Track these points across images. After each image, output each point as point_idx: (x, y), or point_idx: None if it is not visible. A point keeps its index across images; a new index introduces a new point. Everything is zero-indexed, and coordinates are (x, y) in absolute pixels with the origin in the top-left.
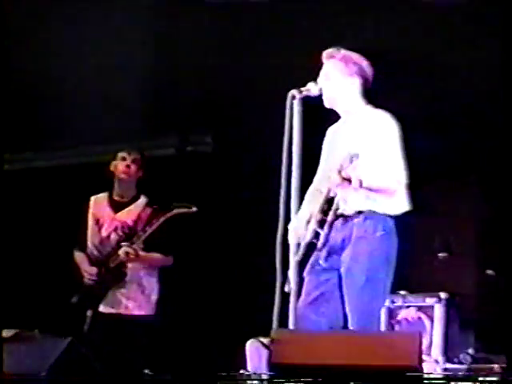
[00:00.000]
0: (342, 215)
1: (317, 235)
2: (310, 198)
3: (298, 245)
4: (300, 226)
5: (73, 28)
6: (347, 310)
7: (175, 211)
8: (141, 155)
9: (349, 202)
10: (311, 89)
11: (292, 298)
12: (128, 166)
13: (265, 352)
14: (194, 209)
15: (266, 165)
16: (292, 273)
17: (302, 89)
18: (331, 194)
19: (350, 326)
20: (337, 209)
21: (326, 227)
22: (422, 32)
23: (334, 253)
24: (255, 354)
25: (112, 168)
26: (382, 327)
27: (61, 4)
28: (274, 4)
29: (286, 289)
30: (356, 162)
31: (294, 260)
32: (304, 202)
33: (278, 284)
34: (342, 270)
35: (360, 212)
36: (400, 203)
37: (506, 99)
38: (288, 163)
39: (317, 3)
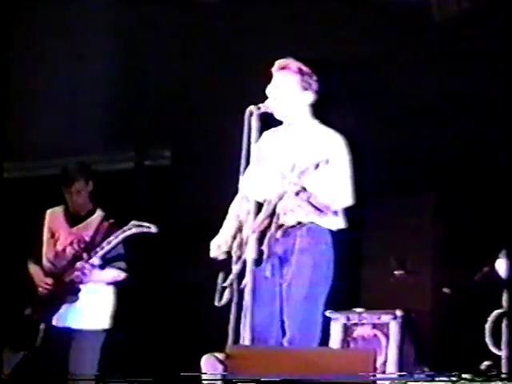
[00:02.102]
0: (282, 226)
1: (259, 251)
2: (238, 205)
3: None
4: (225, 237)
5: (30, 41)
6: (286, 321)
7: (134, 230)
8: (85, 178)
9: (295, 213)
10: (270, 106)
11: (247, 313)
12: (72, 197)
13: (220, 367)
14: (154, 229)
15: (224, 179)
16: (248, 287)
17: (260, 105)
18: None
19: (286, 339)
20: (278, 219)
21: (268, 239)
22: (370, 44)
23: (277, 265)
24: (210, 369)
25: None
26: (337, 344)
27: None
28: (227, 19)
29: (217, 303)
30: (324, 167)
31: (235, 272)
32: (231, 211)
33: (234, 300)
34: (284, 282)
35: (302, 223)
36: (338, 221)
37: (461, 112)
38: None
39: (270, 17)
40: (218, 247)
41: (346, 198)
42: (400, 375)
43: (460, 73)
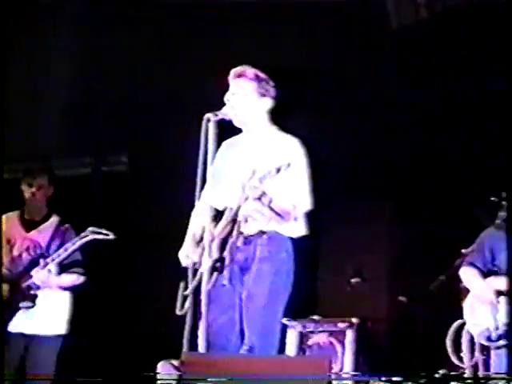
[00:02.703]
0: (242, 234)
1: (219, 259)
2: (200, 213)
3: (194, 265)
4: (191, 246)
5: None
6: (245, 329)
7: (91, 237)
8: (49, 176)
9: (255, 220)
10: (228, 113)
11: (203, 321)
12: (33, 194)
13: (175, 373)
14: (111, 236)
15: (182, 185)
16: (204, 295)
17: (218, 112)
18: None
19: (245, 347)
20: (239, 227)
21: (229, 247)
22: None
23: (237, 273)
24: (166, 375)
25: (22, 187)
26: (293, 352)
27: None
28: (185, 25)
29: (179, 312)
30: (285, 171)
31: (195, 280)
32: (193, 219)
33: (190, 306)
34: (244, 291)
35: (263, 232)
36: (299, 227)
37: (417, 120)
38: (202, 183)
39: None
40: (186, 257)
41: (306, 203)
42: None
43: (416, 80)
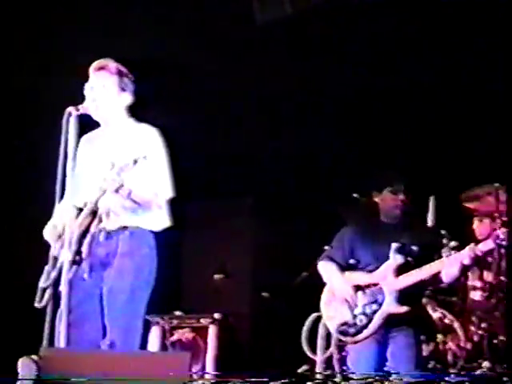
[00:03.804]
0: (105, 229)
1: (79, 251)
2: (62, 207)
3: (55, 258)
4: (52, 239)
5: None
6: (107, 325)
7: None
8: None
9: (116, 213)
10: (88, 107)
11: (63, 315)
12: None
13: (34, 369)
14: None
15: (43, 179)
16: (63, 289)
17: (79, 106)
18: (98, 205)
19: (107, 343)
20: (100, 221)
21: (88, 240)
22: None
23: (98, 267)
24: (26, 371)
25: None
26: (156, 348)
27: None
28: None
29: (37, 304)
30: (142, 162)
31: (52, 276)
32: (56, 213)
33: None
34: (105, 286)
35: (125, 227)
36: (162, 219)
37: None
38: (63, 179)
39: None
40: (53, 227)
41: (167, 190)
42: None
43: (275, 75)
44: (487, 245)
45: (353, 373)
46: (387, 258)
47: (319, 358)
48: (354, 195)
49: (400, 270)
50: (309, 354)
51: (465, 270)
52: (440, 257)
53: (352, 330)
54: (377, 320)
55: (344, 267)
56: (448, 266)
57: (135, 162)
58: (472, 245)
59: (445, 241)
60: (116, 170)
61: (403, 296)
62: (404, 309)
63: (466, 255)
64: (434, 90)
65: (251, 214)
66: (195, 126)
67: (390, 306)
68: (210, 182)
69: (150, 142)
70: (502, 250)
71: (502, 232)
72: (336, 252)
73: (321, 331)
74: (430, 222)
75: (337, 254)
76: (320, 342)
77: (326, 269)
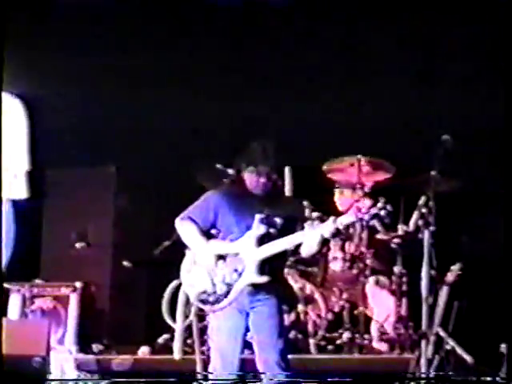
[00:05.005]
0: None
1: None
2: None
3: None
4: None
5: None
6: None
7: None
8: None
9: None
10: None
11: None
12: None
13: None
14: None
15: None
16: None
17: None
18: None
19: None
20: None
21: None
22: None
23: None
24: None
25: None
26: (16, 316)
27: None
28: None
29: None
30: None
31: None
32: None
33: None
34: None
35: None
36: (19, 188)
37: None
38: None
39: None
40: None
41: (23, 162)
42: None
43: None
44: (348, 217)
45: None
46: (250, 228)
47: (179, 326)
48: (218, 166)
49: (262, 241)
50: (170, 322)
51: (325, 242)
52: (303, 228)
53: (212, 299)
54: (237, 289)
55: (204, 231)
56: (308, 238)
57: None
58: (332, 218)
59: (307, 212)
60: None
61: (264, 266)
62: (264, 279)
63: (326, 228)
64: None
65: (113, 184)
66: (59, 93)
67: (251, 276)
68: (73, 150)
69: (10, 112)
70: (364, 222)
71: (363, 204)
72: (199, 213)
73: (181, 298)
74: (287, 193)
75: (199, 216)
76: (180, 310)
77: (186, 230)
